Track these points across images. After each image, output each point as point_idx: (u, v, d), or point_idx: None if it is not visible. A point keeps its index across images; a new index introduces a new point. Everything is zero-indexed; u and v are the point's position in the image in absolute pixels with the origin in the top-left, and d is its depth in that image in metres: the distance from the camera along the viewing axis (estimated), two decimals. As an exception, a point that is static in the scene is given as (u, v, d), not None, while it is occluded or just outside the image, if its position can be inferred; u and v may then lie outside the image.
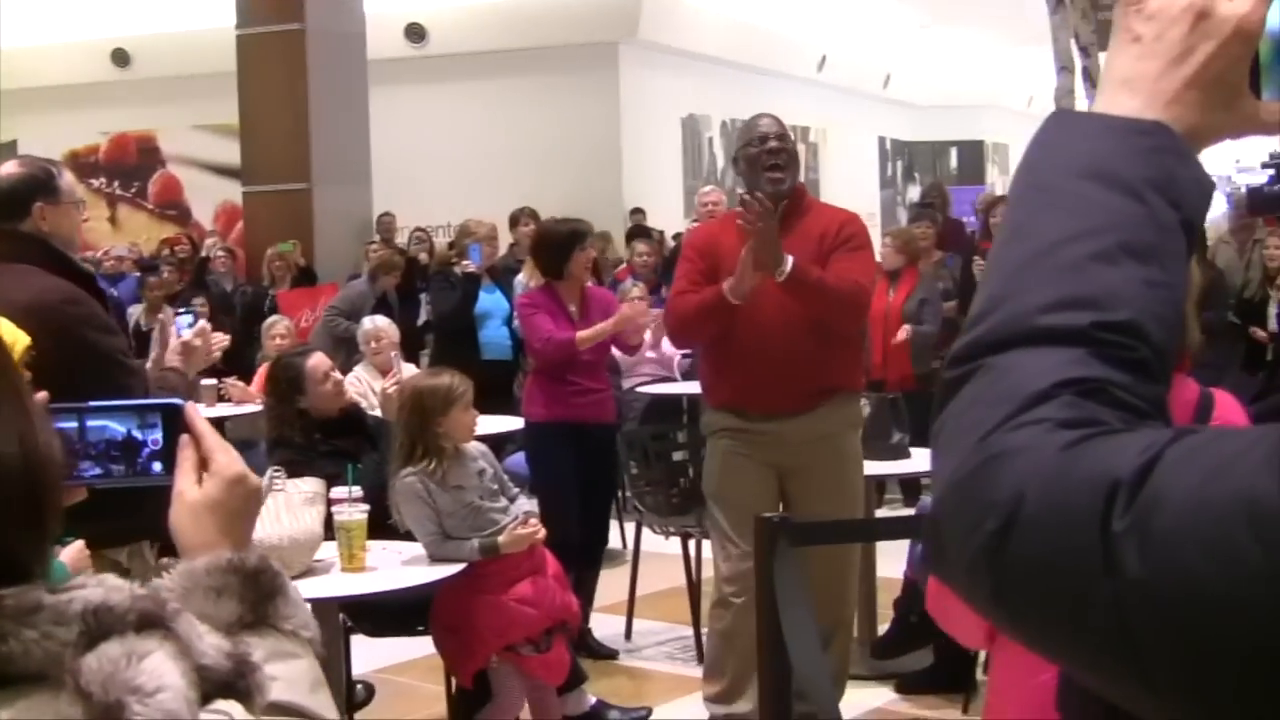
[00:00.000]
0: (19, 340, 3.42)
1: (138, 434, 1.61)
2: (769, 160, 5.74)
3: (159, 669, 1.17)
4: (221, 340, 4.82)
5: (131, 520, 1.62)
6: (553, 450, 7.07)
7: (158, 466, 1.60)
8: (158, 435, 1.61)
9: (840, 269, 5.59)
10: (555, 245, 7.35)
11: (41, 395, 1.63)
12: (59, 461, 1.31)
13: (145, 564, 4.29)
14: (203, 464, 1.59)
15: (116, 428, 1.61)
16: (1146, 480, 0.96)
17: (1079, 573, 0.97)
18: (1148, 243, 1.10)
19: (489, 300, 10.37)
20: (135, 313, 11.66)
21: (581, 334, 7.08)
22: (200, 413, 1.62)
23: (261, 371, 9.74)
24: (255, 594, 1.49)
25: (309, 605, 1.58)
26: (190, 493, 1.58)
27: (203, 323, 4.76)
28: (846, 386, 5.85)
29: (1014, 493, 1.01)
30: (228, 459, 1.60)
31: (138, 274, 13.11)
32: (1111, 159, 1.13)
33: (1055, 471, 1.00)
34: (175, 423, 1.60)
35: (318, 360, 6.23)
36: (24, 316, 3.83)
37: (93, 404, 1.68)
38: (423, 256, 13.11)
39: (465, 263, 10.48)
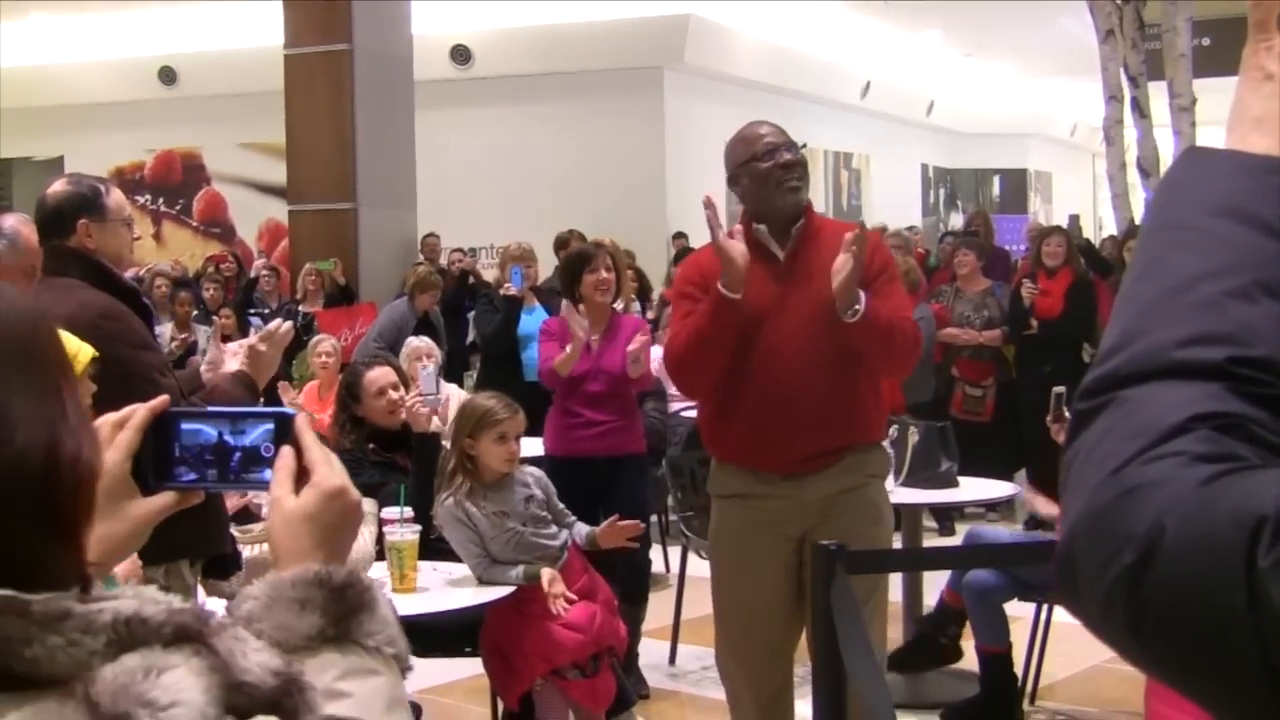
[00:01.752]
0: (83, 351, 3.46)
1: (229, 439, 1.61)
2: (784, 176, 4.82)
3: (178, 684, 1.16)
4: (287, 329, 4.78)
5: (167, 538, 1.61)
6: (560, 485, 6.04)
7: (265, 473, 1.60)
8: (254, 441, 1.61)
9: (892, 305, 4.73)
10: (564, 271, 7.31)
11: (161, 398, 1.65)
12: (93, 468, 1.30)
13: (183, 583, 4.30)
14: (304, 474, 1.58)
15: (210, 432, 1.61)
16: None
17: (1221, 608, 0.96)
18: None
19: (531, 322, 10.36)
20: (164, 331, 11.68)
21: (556, 360, 6.82)
22: (309, 423, 1.62)
23: (310, 388, 9.79)
24: (340, 609, 1.47)
25: (398, 621, 1.57)
26: (286, 502, 1.56)
27: (275, 324, 4.68)
28: (874, 438, 4.93)
29: (1153, 526, 1.00)
30: (329, 471, 1.58)
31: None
32: (1246, 197, 1.13)
33: (1195, 505, 0.99)
34: (286, 431, 1.60)
35: (379, 373, 6.25)
36: (62, 329, 3.94)
37: (211, 409, 1.71)
38: (470, 277, 13.13)
39: (506, 285, 10.50)
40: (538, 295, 10.55)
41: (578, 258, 7.20)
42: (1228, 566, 0.96)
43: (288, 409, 1.63)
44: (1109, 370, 1.10)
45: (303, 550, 1.54)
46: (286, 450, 1.59)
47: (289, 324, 4.73)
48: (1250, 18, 1.19)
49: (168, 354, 11.23)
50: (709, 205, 4.62)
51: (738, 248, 4.54)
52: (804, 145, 4.90)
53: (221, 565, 4.68)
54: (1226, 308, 1.08)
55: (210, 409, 1.68)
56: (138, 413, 1.63)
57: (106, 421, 1.59)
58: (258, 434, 1.61)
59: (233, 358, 4.58)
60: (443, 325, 11.81)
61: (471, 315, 11.83)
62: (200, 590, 4.58)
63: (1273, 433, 1.04)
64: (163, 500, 1.65)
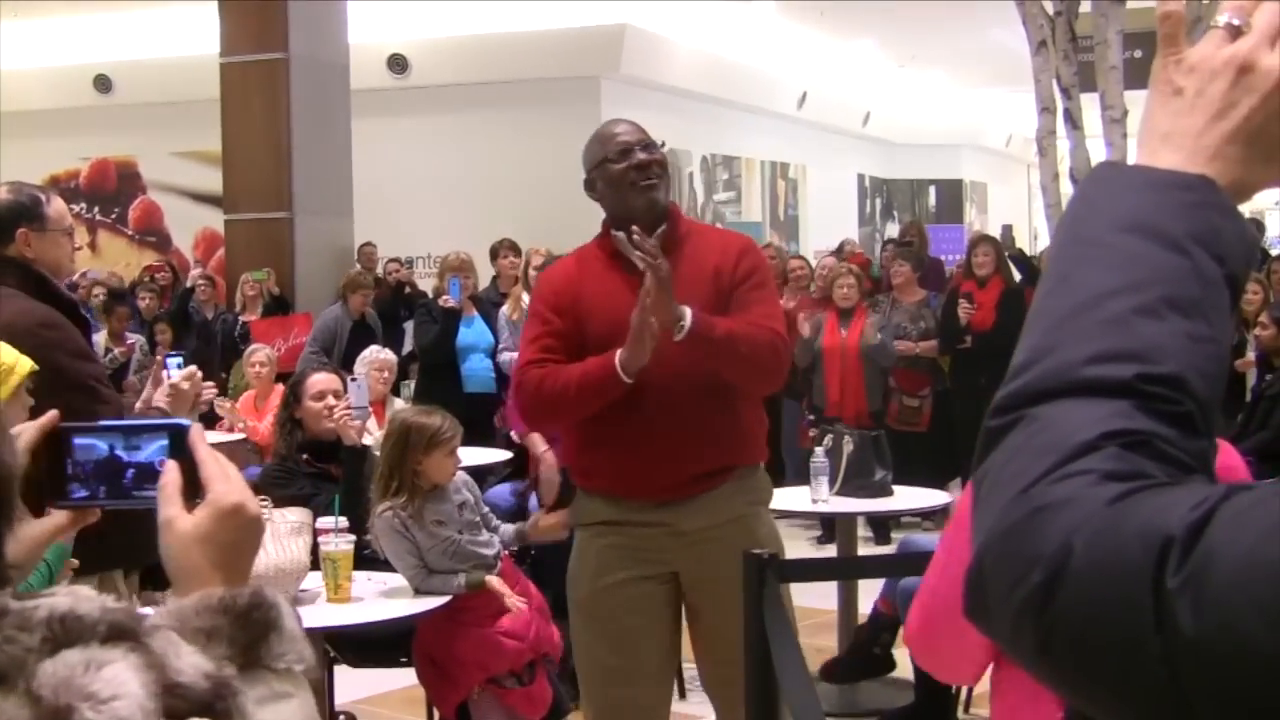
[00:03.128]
0: (20, 363, 3.49)
1: (122, 454, 1.55)
2: (639, 177, 4.34)
3: (118, 677, 1.17)
4: (210, 389, 4.78)
5: (100, 546, 1.58)
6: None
7: (148, 490, 1.52)
8: (148, 456, 1.54)
9: (752, 315, 4.29)
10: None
11: (51, 414, 1.61)
12: (13, 472, 1.30)
13: (118, 594, 4.28)
14: (194, 490, 1.51)
15: (102, 447, 1.55)
16: (1200, 537, 0.96)
17: (1129, 628, 0.97)
18: (1192, 297, 1.10)
19: (471, 333, 10.38)
20: (98, 341, 11.60)
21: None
22: (204, 435, 1.55)
23: (246, 397, 9.78)
24: (247, 635, 1.43)
25: (303, 632, 1.53)
26: (179, 522, 1.48)
27: (192, 368, 4.67)
28: (753, 459, 4.51)
29: (1061, 545, 1.01)
30: (225, 486, 1.50)
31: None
32: (1155, 213, 1.14)
33: (1104, 525, 1.00)
34: (181, 445, 1.52)
35: (322, 378, 6.28)
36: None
37: (103, 423, 1.63)
38: (406, 287, 13.13)
39: (445, 297, 10.52)
40: (476, 305, 10.57)
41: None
42: (1136, 587, 0.97)
43: (182, 420, 1.55)
44: (1018, 388, 1.11)
45: (201, 573, 1.48)
46: (172, 465, 1.51)
47: (199, 372, 4.69)
48: (1159, 31, 1.21)
49: (106, 365, 11.20)
50: (642, 242, 4.11)
51: (652, 330, 4.06)
52: (664, 144, 4.51)
53: (159, 575, 4.65)
54: (1134, 325, 1.09)
55: (104, 423, 1.61)
56: (26, 431, 1.57)
57: None
58: (152, 449, 1.54)
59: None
60: (380, 328, 11.81)
61: (409, 325, 11.84)
62: (136, 601, 4.56)
63: (1181, 450, 1.05)
64: (53, 522, 1.60)
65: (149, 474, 1.53)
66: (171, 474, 1.50)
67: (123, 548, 4.13)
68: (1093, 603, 0.99)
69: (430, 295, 11.90)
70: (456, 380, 10.09)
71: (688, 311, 4.10)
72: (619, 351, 4.13)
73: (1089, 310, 1.11)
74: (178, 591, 1.48)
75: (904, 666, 6.50)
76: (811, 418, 9.69)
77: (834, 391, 9.90)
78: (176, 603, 1.45)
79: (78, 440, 1.55)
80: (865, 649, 6.57)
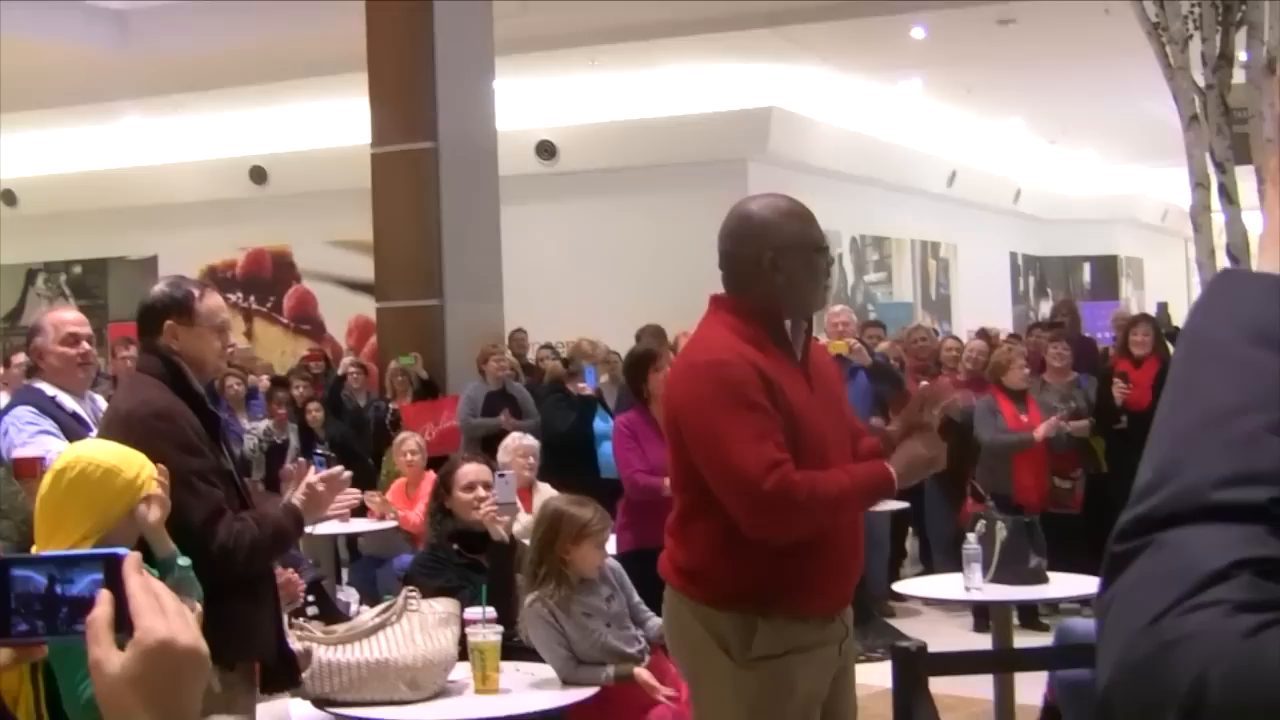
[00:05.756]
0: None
1: (59, 588, 1.44)
2: (828, 276, 4.20)
3: None
4: (351, 496, 4.78)
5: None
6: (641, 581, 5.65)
7: (81, 625, 1.41)
8: (82, 590, 1.43)
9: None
10: (630, 369, 7.25)
11: None
12: None
13: (211, 692, 4.26)
14: (125, 624, 1.39)
15: (40, 579, 1.44)
16: None
17: None
18: None
19: (605, 420, 10.36)
20: (259, 427, 11.76)
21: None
22: (139, 565, 1.43)
23: (397, 485, 9.82)
24: None
25: None
26: (106, 664, 1.37)
27: (334, 471, 4.67)
28: None
29: (1195, 682, 0.95)
30: (152, 621, 1.37)
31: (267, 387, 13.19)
32: (1278, 323, 1.08)
33: (1241, 659, 0.95)
34: (116, 575, 1.42)
35: (472, 469, 6.28)
36: (119, 423, 4.19)
37: (42, 555, 1.55)
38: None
39: (581, 385, 10.53)
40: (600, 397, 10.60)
41: (643, 357, 7.16)
42: None
43: (119, 550, 1.44)
44: (1145, 511, 1.05)
45: (134, 718, 1.36)
46: (103, 598, 1.40)
47: (348, 474, 4.69)
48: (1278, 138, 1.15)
49: (258, 450, 11.33)
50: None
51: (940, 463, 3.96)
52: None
53: (281, 669, 4.62)
54: (1264, 444, 1.03)
55: (41, 554, 1.52)
56: None
57: None
58: (86, 582, 1.44)
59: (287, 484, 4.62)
60: (524, 397, 11.84)
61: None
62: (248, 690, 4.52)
63: None
64: None
65: (83, 607, 1.42)
66: (100, 608, 1.40)
67: (217, 642, 4.12)
68: None
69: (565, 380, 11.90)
70: (593, 465, 10.06)
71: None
72: (893, 465, 3.90)
73: (1216, 428, 1.05)
74: None
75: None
76: (992, 503, 9.49)
77: (1024, 476, 9.76)
78: None
79: (16, 572, 1.46)
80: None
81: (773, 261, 3.96)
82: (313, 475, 4.57)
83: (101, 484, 3.62)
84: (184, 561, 3.86)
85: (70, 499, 3.61)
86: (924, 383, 4.06)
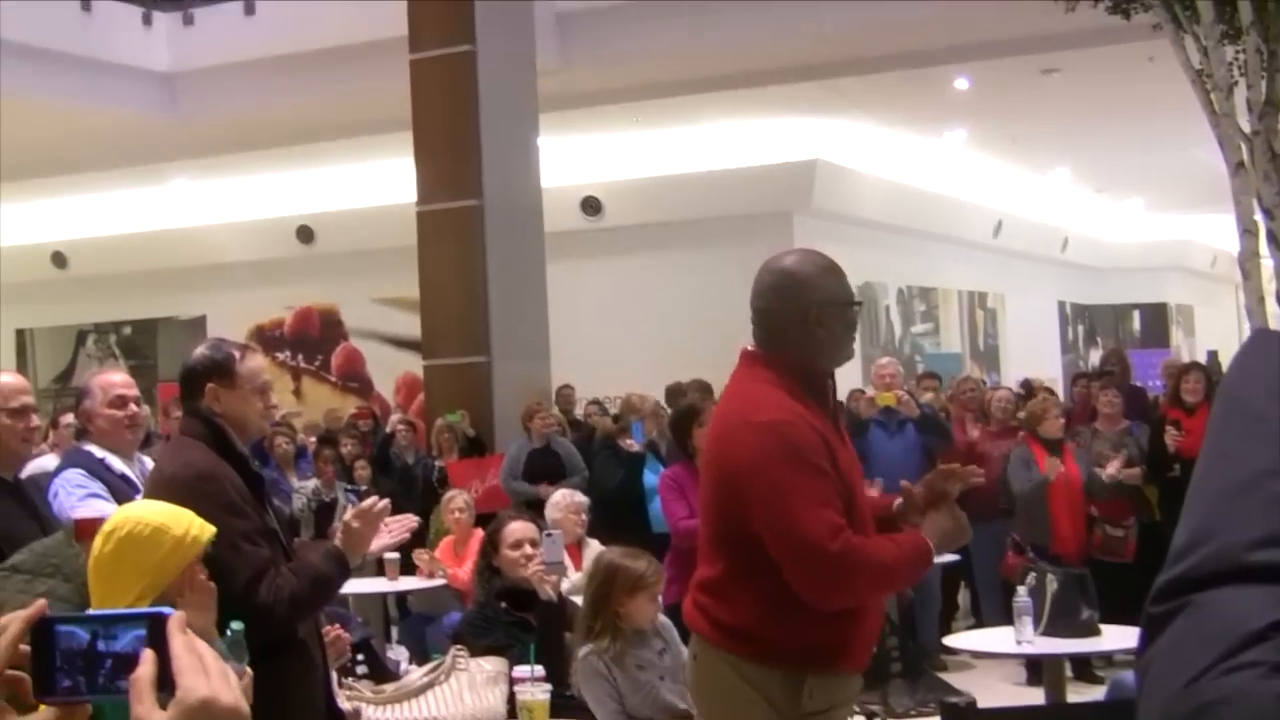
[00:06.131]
0: (195, 524, 3.65)
1: (102, 645, 1.45)
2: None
3: None
4: (404, 522, 4.77)
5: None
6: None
7: (124, 682, 1.42)
8: (125, 646, 1.45)
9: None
10: (675, 424, 7.23)
11: (38, 604, 1.52)
12: None
13: None
14: (168, 683, 1.40)
15: (83, 635, 1.46)
16: None
17: None
18: None
19: (655, 475, 10.35)
20: (308, 486, 11.81)
21: None
22: (183, 624, 1.45)
23: (446, 543, 9.81)
24: None
25: None
26: None
27: (369, 502, 4.62)
28: None
29: None
30: (195, 681, 1.39)
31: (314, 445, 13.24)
32: None
33: None
34: (159, 634, 1.43)
35: (519, 526, 6.26)
36: (163, 486, 4.18)
37: (87, 613, 1.55)
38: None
39: (629, 441, 10.52)
40: (651, 449, 10.57)
41: (687, 413, 7.14)
42: None
43: (164, 609, 1.45)
44: (1181, 572, 1.05)
45: None
46: (146, 657, 1.41)
47: (385, 502, 4.64)
48: None
49: (307, 509, 11.37)
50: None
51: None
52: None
53: None
54: None
55: (86, 613, 1.53)
56: (11, 625, 1.49)
57: None
58: (129, 638, 1.45)
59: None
60: (572, 452, 11.83)
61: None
62: None
63: None
64: (40, 717, 1.52)
65: (127, 664, 1.43)
66: (144, 667, 1.40)
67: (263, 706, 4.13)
68: None
69: (614, 436, 11.89)
70: (644, 520, 10.04)
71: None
72: (929, 536, 3.94)
73: (1250, 490, 1.05)
74: None
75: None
76: (1032, 554, 9.41)
77: (1063, 526, 9.68)
78: None
79: (60, 629, 1.47)
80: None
81: (817, 318, 3.97)
82: (347, 513, 4.57)
83: (151, 542, 3.63)
84: (236, 625, 3.86)
85: (121, 559, 3.62)
86: (943, 465, 4.05)
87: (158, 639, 1.42)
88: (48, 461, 7.51)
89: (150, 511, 3.74)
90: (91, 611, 1.54)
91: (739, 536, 3.88)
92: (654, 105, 16.70)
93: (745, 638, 3.90)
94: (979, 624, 10.31)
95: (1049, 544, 9.48)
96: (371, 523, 4.50)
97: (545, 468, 11.55)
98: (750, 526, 3.83)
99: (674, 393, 12.70)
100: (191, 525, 3.68)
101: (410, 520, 4.85)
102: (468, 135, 13.40)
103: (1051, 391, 14.09)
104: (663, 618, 5.76)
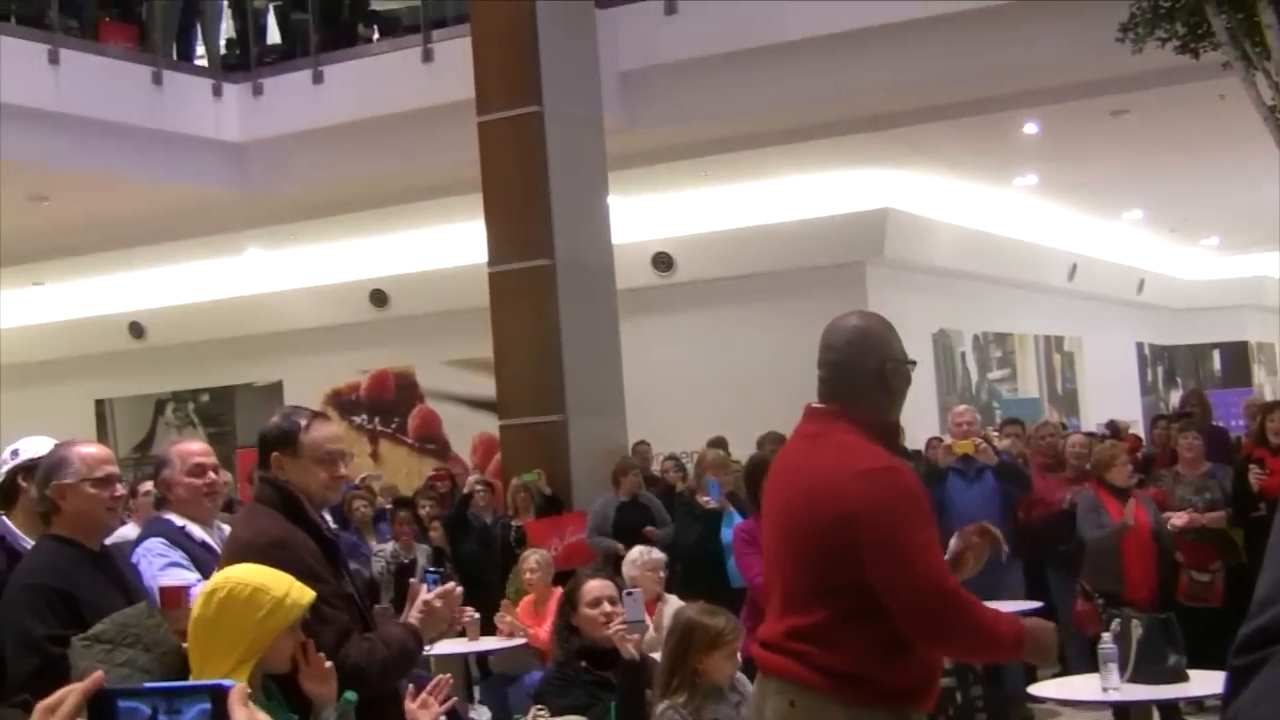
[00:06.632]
0: (294, 586, 3.74)
1: (164, 717, 1.46)
2: None
3: None
4: (468, 614, 4.83)
5: None
6: None
7: None
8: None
9: None
10: (749, 477, 7.22)
11: (95, 677, 1.50)
12: None
13: None
14: None
15: (145, 710, 1.46)
16: None
17: None
18: None
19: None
20: (386, 549, 11.86)
21: None
22: (244, 697, 1.45)
23: (525, 602, 9.82)
24: None
25: None
26: None
27: (449, 587, 4.72)
28: None
29: None
30: None
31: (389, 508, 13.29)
32: None
33: None
34: (222, 707, 1.45)
35: (597, 585, 6.25)
36: (239, 554, 4.21)
37: (148, 686, 1.57)
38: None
39: (705, 499, 10.51)
40: (735, 502, 10.54)
41: (761, 464, 7.13)
42: None
43: (225, 682, 1.45)
44: (1263, 624, 1.03)
45: None
46: None
47: (460, 589, 4.72)
48: None
49: (380, 572, 11.41)
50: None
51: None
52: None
53: None
54: None
55: (147, 685, 1.52)
56: (69, 698, 1.49)
57: (38, 710, 1.47)
58: (193, 713, 1.46)
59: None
60: (659, 506, 11.84)
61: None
62: None
63: None
64: None
65: None
66: None
67: None
68: None
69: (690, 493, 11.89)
70: (723, 577, 10.01)
71: None
72: (1030, 634, 4.13)
73: None
74: None
75: None
76: (1102, 601, 9.31)
77: (1135, 572, 9.53)
78: None
79: (122, 704, 1.47)
80: None
81: (891, 371, 4.21)
82: (427, 593, 4.61)
83: (250, 604, 3.66)
84: (350, 695, 3.91)
85: (221, 621, 3.66)
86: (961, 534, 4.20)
87: (220, 711, 1.43)
88: (129, 530, 7.57)
89: (250, 573, 3.78)
90: (152, 684, 1.54)
91: (845, 582, 4.02)
92: (722, 160, 16.71)
93: (857, 681, 4.03)
94: (1064, 671, 10.18)
95: (1120, 591, 9.35)
96: (451, 605, 4.59)
97: (635, 521, 11.57)
98: (858, 571, 3.97)
99: (717, 444, 12.77)
100: (292, 588, 3.72)
101: (469, 614, 4.92)
102: (537, 195, 13.46)
103: (1118, 437, 13.96)
104: (742, 676, 5.74)
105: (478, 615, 5.12)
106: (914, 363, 4.33)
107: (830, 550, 4.04)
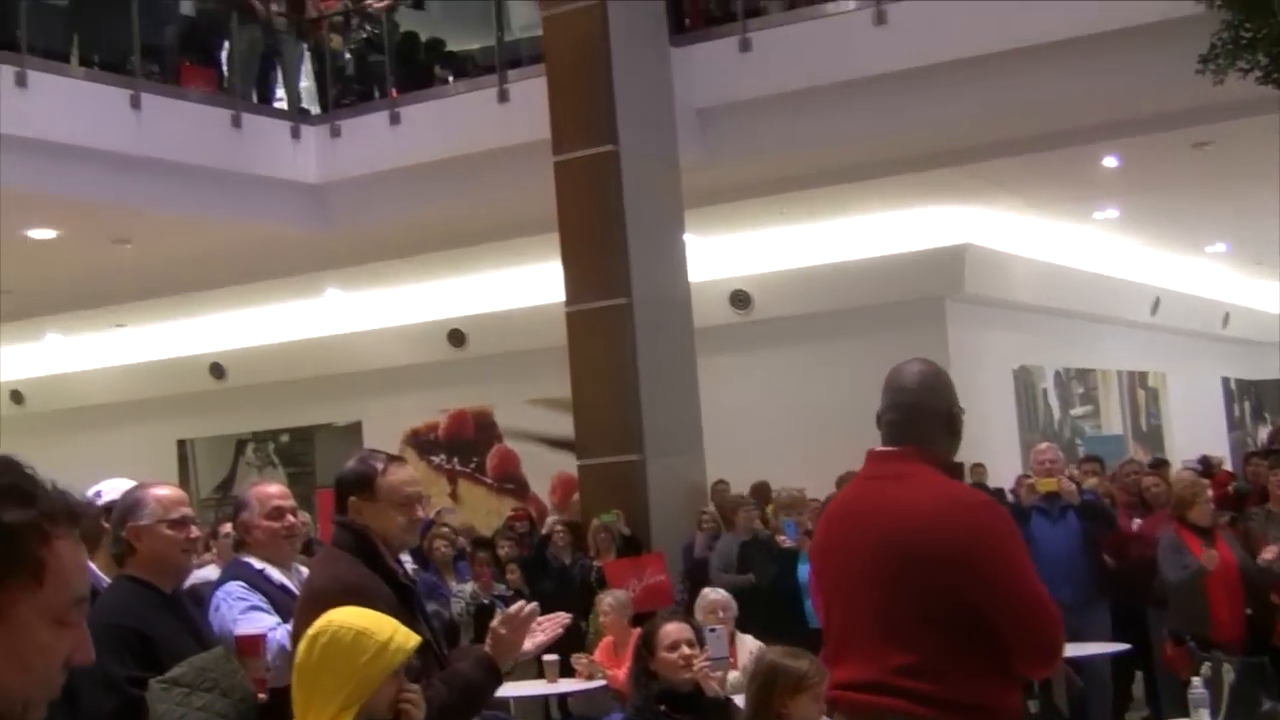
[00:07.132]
0: (399, 630, 3.70)
1: None
2: None
3: None
4: (556, 620, 4.74)
5: None
6: None
7: None
8: None
9: None
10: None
11: None
12: None
13: None
14: None
15: None
16: None
17: None
18: None
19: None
20: (466, 590, 11.84)
21: None
22: None
23: (604, 644, 9.77)
24: None
25: None
26: None
27: (516, 607, 4.61)
28: None
29: None
30: None
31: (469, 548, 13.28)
32: None
33: None
34: None
35: (674, 628, 6.19)
36: (314, 601, 4.18)
37: None
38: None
39: (782, 538, 10.46)
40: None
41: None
42: None
43: None
44: None
45: None
46: None
47: (533, 605, 4.63)
48: None
49: (459, 613, 11.37)
50: None
51: None
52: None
53: None
54: None
55: None
56: None
57: None
58: None
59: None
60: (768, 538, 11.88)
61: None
62: None
63: None
64: None
65: None
66: None
67: None
68: None
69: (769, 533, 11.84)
70: (801, 617, 9.93)
71: None
72: None
73: None
74: None
75: None
76: (1193, 644, 9.12)
77: (1222, 613, 9.32)
78: None
79: None
80: None
81: (957, 415, 4.39)
82: (495, 620, 4.56)
83: (354, 648, 3.63)
84: None
85: (324, 665, 3.63)
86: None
87: None
88: (209, 572, 7.58)
89: (353, 616, 3.75)
90: None
91: (952, 614, 4.05)
92: (799, 196, 16.64)
93: (983, 711, 4.09)
94: (1155, 716, 10.01)
95: (1208, 633, 9.15)
96: (519, 628, 4.50)
97: (754, 560, 11.55)
98: (966, 601, 4.02)
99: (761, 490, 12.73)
100: (396, 632, 3.69)
101: (562, 617, 4.82)
102: (614, 234, 13.45)
103: (1229, 473, 13.72)
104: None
105: (569, 616, 5.00)
106: (959, 408, 4.44)
107: (930, 583, 4.06)
